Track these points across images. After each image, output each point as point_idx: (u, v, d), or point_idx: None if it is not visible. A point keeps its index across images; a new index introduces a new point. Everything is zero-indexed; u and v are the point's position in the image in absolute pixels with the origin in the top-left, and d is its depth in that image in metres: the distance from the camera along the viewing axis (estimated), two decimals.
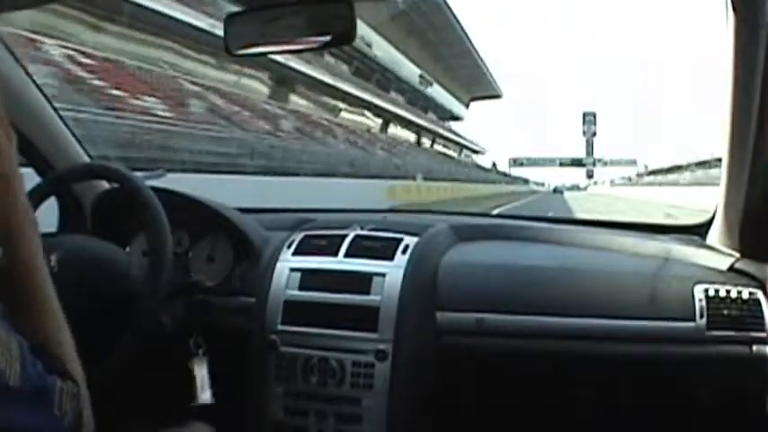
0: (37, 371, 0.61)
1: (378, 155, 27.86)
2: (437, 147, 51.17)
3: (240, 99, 19.93)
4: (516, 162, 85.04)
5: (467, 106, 65.18)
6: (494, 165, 71.01)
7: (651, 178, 59.98)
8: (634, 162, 79.00)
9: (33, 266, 0.71)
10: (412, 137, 43.84)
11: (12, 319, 0.66)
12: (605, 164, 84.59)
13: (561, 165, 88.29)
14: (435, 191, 27.08)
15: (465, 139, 62.77)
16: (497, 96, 67.16)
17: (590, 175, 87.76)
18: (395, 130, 39.39)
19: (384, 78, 37.41)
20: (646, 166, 71.27)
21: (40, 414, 0.60)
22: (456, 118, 61.86)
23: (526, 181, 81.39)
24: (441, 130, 51.08)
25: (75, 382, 0.66)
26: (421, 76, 46.04)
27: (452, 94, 56.43)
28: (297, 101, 25.76)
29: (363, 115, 33.66)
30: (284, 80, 24.40)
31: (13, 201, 0.69)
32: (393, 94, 39.36)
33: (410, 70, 42.18)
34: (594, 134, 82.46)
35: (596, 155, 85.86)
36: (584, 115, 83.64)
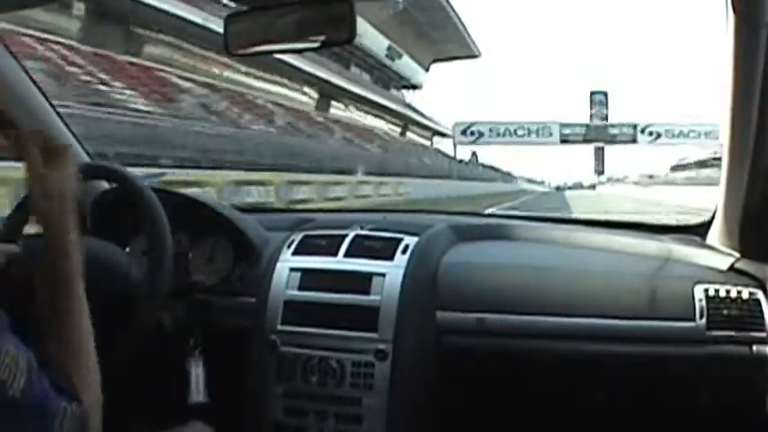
0: (42, 387, 0.62)
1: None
2: (342, 113, 30.69)
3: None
4: (468, 132, 46.69)
5: (427, 69, 43.48)
6: (473, 154, 48.75)
7: None
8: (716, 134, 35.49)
9: (68, 288, 0.75)
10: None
11: (37, 335, 0.68)
12: (657, 136, 45.16)
13: (564, 141, 48.40)
14: None
15: (417, 111, 39.86)
16: (473, 56, 44.68)
17: (600, 171, 55.16)
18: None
19: None
20: None
21: (39, 429, 0.61)
22: (411, 85, 42.12)
23: (509, 175, 54.36)
24: (353, 88, 30.10)
25: (82, 404, 0.67)
26: (389, 48, 32.72)
27: (402, 47, 36.46)
28: None
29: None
30: None
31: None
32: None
33: None
34: (605, 118, 51.40)
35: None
36: (592, 95, 50.69)
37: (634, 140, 47.15)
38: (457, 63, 48.62)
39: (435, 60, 44.08)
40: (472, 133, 47.22)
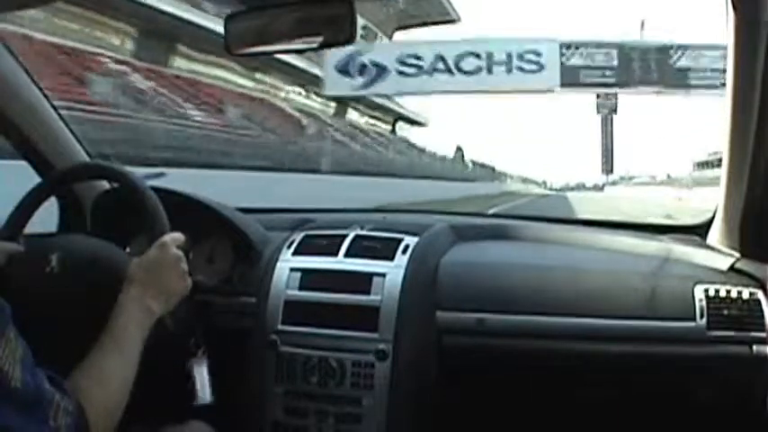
0: (36, 379, 0.62)
1: None
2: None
3: None
4: (353, 70, 21.55)
5: (389, 37, 30.47)
6: (459, 149, 37.83)
7: None
8: None
9: (121, 338, 0.83)
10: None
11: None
12: None
13: (570, 84, 21.70)
14: None
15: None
16: (450, 22, 30.42)
17: (609, 170, 44.78)
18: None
19: None
20: None
21: (35, 420, 0.61)
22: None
23: (493, 170, 40.91)
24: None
25: (75, 403, 0.68)
26: (364, 27, 22.47)
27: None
28: None
29: None
30: None
31: None
32: None
33: None
34: (615, 110, 37.24)
35: None
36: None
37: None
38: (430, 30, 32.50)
39: (400, 27, 29.90)
40: (362, 71, 22.28)
